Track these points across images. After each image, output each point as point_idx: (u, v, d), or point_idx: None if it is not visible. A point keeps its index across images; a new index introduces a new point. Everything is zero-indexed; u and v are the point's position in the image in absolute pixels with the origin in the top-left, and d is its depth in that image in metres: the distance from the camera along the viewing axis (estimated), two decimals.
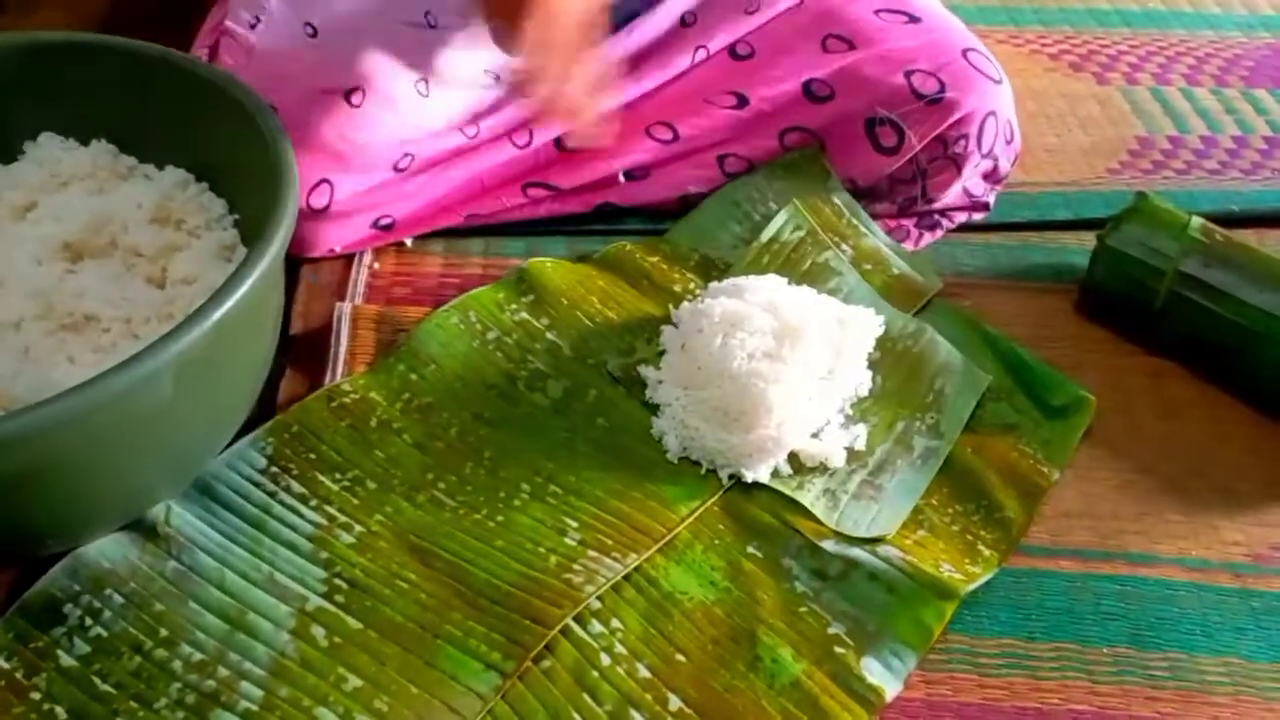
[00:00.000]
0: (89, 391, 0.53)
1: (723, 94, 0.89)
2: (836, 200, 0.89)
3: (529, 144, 0.86)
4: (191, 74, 0.73)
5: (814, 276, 0.83)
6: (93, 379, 0.53)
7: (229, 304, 0.57)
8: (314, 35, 0.83)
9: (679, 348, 0.76)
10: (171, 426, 0.61)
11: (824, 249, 0.85)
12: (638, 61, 0.89)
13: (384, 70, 0.83)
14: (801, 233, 0.86)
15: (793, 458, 0.72)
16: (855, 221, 0.89)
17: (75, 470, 0.58)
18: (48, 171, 0.73)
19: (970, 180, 0.90)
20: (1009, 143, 0.89)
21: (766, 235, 0.86)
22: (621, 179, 0.89)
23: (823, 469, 0.72)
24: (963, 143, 0.86)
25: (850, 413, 0.76)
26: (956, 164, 0.88)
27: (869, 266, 0.86)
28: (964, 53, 0.87)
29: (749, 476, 0.70)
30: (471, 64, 0.90)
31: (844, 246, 0.87)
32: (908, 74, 0.86)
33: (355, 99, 0.81)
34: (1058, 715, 0.62)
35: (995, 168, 0.90)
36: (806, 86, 0.88)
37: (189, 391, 0.58)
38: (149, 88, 0.74)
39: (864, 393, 0.77)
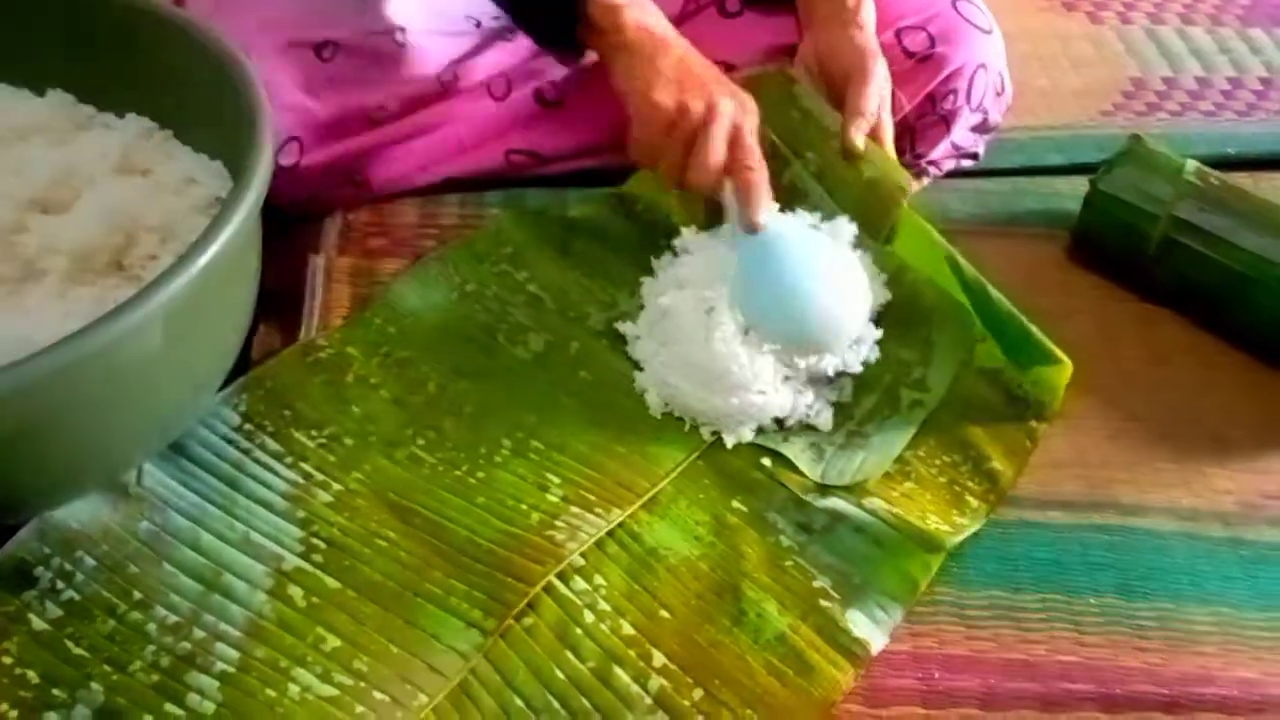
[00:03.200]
0: (80, 342, 0.51)
1: (710, 59, 0.86)
2: (805, 103, 0.82)
3: (505, 95, 0.83)
4: (153, 17, 0.70)
5: (784, 202, 0.77)
6: (83, 329, 0.51)
7: (214, 249, 0.55)
8: None
9: (656, 303, 0.74)
10: (159, 381, 0.59)
11: (785, 164, 0.80)
12: None
13: (358, 22, 0.80)
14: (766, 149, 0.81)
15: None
16: (824, 122, 0.81)
17: (63, 427, 0.56)
18: (4, 124, 0.70)
19: (959, 134, 0.88)
20: (999, 94, 0.87)
21: None
22: (607, 148, 0.86)
23: (809, 426, 0.71)
24: (952, 98, 0.84)
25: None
26: (946, 121, 0.85)
27: (840, 176, 0.79)
28: (953, 2, 0.84)
29: (730, 441, 0.69)
30: (453, 10, 0.87)
31: (809, 155, 0.81)
32: (897, 32, 0.83)
33: (326, 53, 0.79)
34: (1044, 666, 0.61)
35: (985, 120, 0.88)
36: (796, 51, 0.85)
37: (177, 343, 0.56)
38: (108, 33, 0.71)
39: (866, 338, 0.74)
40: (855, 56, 0.78)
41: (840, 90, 0.79)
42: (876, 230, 0.79)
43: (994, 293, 0.76)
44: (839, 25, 0.80)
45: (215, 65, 0.66)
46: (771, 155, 0.81)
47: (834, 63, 0.80)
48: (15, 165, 0.68)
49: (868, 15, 0.80)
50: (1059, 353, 0.73)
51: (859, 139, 0.77)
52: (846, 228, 0.75)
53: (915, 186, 0.83)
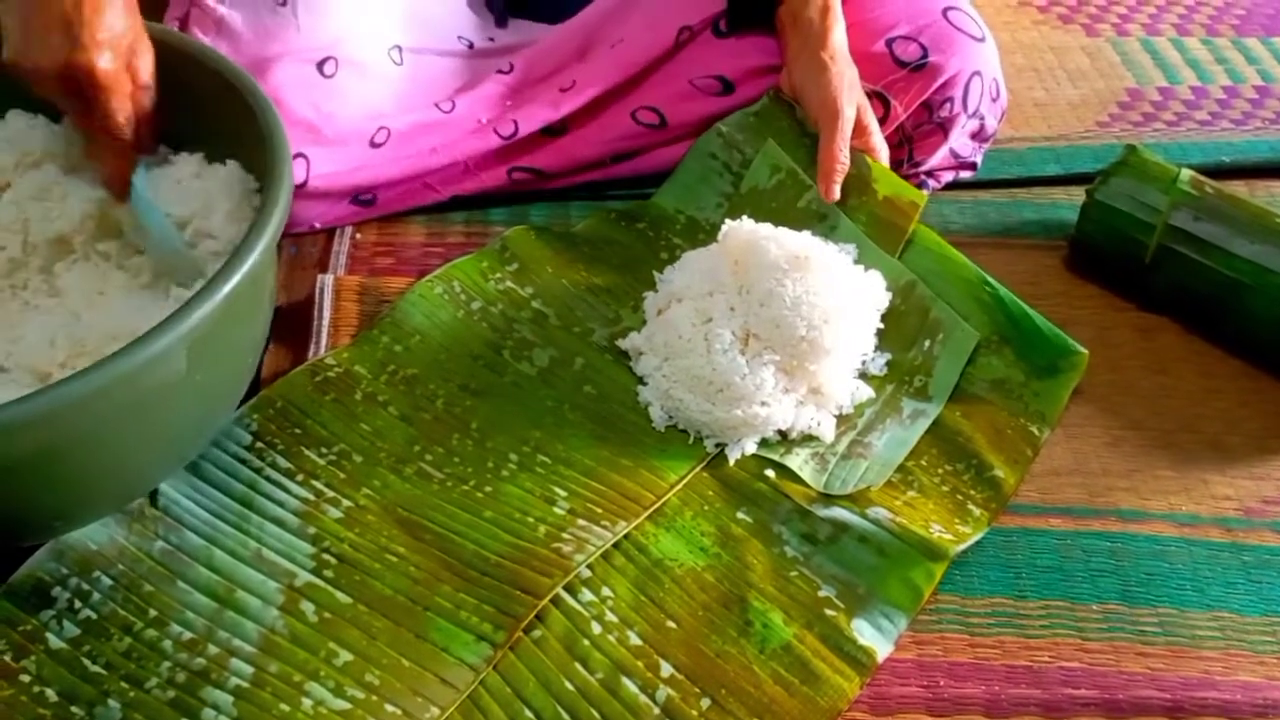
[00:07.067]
0: (105, 369, 0.52)
1: (706, 77, 0.87)
2: (811, 128, 0.83)
3: (514, 135, 0.84)
4: (164, 44, 0.71)
5: (800, 224, 0.79)
6: (108, 356, 0.52)
7: (237, 276, 0.56)
8: (283, 4, 0.81)
9: (658, 316, 0.75)
10: (182, 405, 0.60)
11: (805, 189, 0.82)
12: (617, 44, 0.87)
13: (357, 39, 0.82)
14: (780, 174, 0.83)
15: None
16: None
17: (86, 453, 0.57)
18: (19, 150, 0.71)
19: (957, 141, 0.89)
20: (995, 100, 0.88)
21: (745, 187, 0.84)
22: (609, 162, 0.88)
23: (811, 437, 0.72)
24: (948, 106, 0.85)
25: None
26: (943, 128, 0.86)
27: (855, 200, 0.81)
28: (944, 12, 0.85)
29: (733, 456, 0.70)
30: (445, 29, 0.88)
31: None
32: (889, 42, 0.84)
33: (328, 69, 0.80)
34: (1048, 672, 0.62)
35: (982, 127, 0.89)
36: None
37: (200, 368, 0.57)
38: None
39: (872, 354, 0.75)
40: (823, 105, 0.79)
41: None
42: (893, 246, 0.80)
43: (1007, 294, 0.78)
44: (808, 59, 0.81)
45: (230, 91, 0.67)
46: (790, 182, 0.83)
47: (806, 108, 0.82)
48: (34, 191, 0.69)
49: (838, 39, 0.81)
50: (1075, 344, 0.75)
51: (835, 190, 0.79)
52: (848, 248, 0.76)
53: (925, 197, 0.83)
